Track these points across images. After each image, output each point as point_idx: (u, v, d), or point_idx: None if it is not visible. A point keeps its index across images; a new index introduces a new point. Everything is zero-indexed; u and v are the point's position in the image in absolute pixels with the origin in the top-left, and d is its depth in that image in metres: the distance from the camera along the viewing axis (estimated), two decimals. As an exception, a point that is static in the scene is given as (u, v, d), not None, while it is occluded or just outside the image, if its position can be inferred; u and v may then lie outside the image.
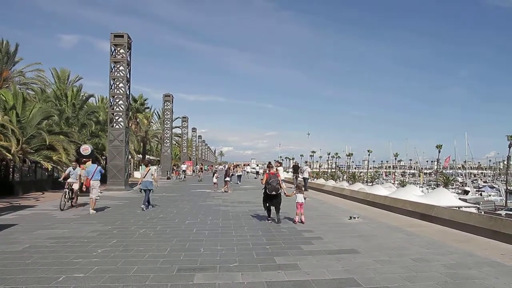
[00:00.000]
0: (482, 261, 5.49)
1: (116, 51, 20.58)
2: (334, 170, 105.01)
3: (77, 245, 6.46)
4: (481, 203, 40.98)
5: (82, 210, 11.38)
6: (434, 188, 47.30)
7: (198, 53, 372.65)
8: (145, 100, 45.83)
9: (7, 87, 24.85)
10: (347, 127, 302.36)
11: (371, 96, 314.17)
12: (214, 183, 20.83)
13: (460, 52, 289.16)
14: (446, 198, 24.12)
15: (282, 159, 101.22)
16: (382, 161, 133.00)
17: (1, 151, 14.86)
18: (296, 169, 25.09)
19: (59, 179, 12.37)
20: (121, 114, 20.55)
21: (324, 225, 8.83)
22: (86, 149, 16.81)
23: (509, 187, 48.65)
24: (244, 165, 58.79)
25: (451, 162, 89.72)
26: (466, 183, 66.67)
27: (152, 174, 11.71)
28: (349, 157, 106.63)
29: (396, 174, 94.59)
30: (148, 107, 47.52)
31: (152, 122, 49.47)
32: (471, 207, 29.63)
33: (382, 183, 62.84)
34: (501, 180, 69.74)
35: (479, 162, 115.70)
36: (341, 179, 72.22)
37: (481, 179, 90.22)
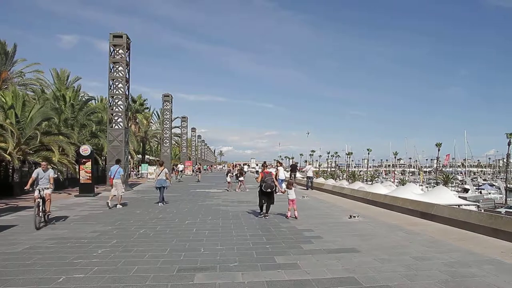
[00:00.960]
0: (482, 259, 5.49)
1: (115, 51, 20.57)
2: (333, 169, 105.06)
3: (77, 246, 6.46)
4: (481, 201, 41.06)
5: (55, 224, 8.86)
6: (434, 186, 47.27)
7: (198, 53, 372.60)
8: (144, 100, 45.95)
9: (6, 88, 24.83)
10: (347, 127, 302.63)
11: (370, 95, 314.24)
12: (228, 182, 20.98)
13: (460, 51, 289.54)
14: (446, 197, 24.16)
15: (282, 159, 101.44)
16: (381, 160, 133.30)
17: (0, 153, 14.85)
18: (294, 168, 25.54)
19: (25, 188, 9.38)
20: (120, 114, 20.54)
21: (324, 224, 8.83)
22: (85, 149, 16.80)
23: (508, 185, 48.73)
24: (244, 164, 58.97)
25: (451, 160, 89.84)
26: (465, 181, 66.77)
27: (165, 173, 13.32)
28: (348, 156, 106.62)
29: (395, 172, 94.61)
30: (147, 107, 47.62)
31: (151, 122, 49.53)
32: (471, 205, 29.66)
33: (382, 181, 62.98)
34: (501, 178, 69.80)
35: (478, 160, 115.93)
36: (340, 178, 72.17)
37: (480, 177, 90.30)
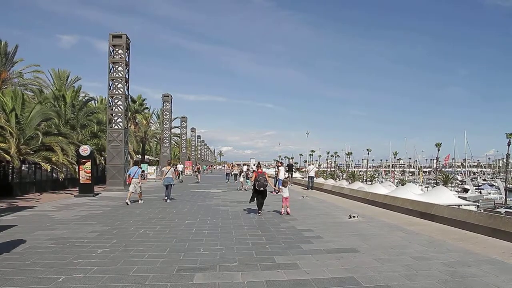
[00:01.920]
0: (482, 259, 5.49)
1: (115, 51, 20.56)
2: (333, 169, 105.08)
3: (77, 246, 6.45)
4: (481, 201, 41.15)
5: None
6: (434, 186, 47.31)
7: (197, 53, 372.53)
8: (144, 100, 45.89)
9: (6, 88, 24.81)
10: (347, 127, 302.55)
11: (370, 95, 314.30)
12: (241, 182, 21.34)
13: (460, 51, 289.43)
14: (445, 197, 24.14)
15: (282, 159, 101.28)
16: (381, 160, 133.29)
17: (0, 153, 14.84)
18: (290, 168, 26.03)
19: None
20: (120, 114, 20.53)
21: (324, 224, 8.84)
22: (85, 150, 16.80)
23: (508, 185, 48.74)
24: (243, 164, 58.83)
25: (451, 160, 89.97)
26: (465, 181, 66.90)
27: (172, 172, 14.73)
28: (348, 156, 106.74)
29: (395, 172, 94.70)
30: (147, 108, 47.57)
31: (151, 123, 49.48)
32: (471, 205, 29.68)
33: (382, 181, 63.04)
34: (501, 178, 69.80)
35: (478, 160, 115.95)
36: (340, 178, 72.21)
37: (480, 177, 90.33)
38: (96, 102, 35.65)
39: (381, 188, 29.64)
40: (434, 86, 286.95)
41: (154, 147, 57.52)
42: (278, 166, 20.31)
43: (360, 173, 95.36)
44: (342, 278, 4.61)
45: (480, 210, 22.87)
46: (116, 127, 20.46)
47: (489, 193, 53.74)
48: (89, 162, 16.69)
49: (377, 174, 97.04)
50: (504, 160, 69.40)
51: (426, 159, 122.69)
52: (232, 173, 30.69)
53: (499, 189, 54.85)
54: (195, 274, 4.77)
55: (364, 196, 14.15)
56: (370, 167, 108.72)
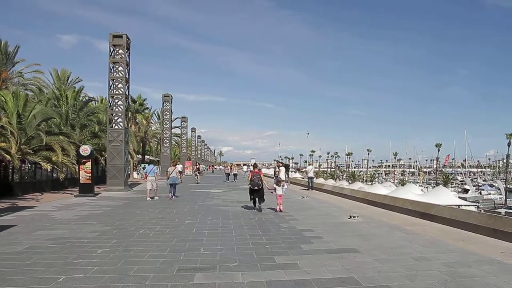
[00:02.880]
0: (482, 259, 5.49)
1: (115, 51, 20.56)
2: (333, 169, 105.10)
3: (77, 246, 6.45)
4: (481, 201, 41.15)
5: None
6: (434, 187, 47.32)
7: (198, 53, 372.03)
8: (144, 100, 45.97)
9: (6, 88, 24.83)
10: (347, 127, 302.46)
11: (370, 95, 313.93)
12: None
13: (460, 51, 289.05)
14: (445, 197, 24.18)
15: (282, 159, 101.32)
16: (381, 160, 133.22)
17: (0, 153, 14.84)
18: (286, 168, 26.32)
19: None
20: (120, 114, 20.52)
21: (324, 224, 8.83)
22: (85, 149, 16.80)
23: (508, 186, 48.75)
24: (243, 164, 58.95)
25: (451, 160, 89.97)
26: (465, 182, 66.89)
27: (177, 172, 15.99)
28: (348, 157, 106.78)
29: (395, 173, 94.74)
30: (147, 108, 47.64)
31: (151, 123, 49.54)
32: (471, 205, 29.72)
33: (382, 182, 63.07)
34: (501, 179, 69.80)
35: (478, 161, 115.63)
36: (340, 178, 72.25)
37: (480, 178, 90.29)
38: (96, 102, 35.66)
39: (381, 189, 29.69)
40: (434, 86, 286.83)
41: (154, 147, 57.54)
42: (278, 166, 20.35)
43: (360, 173, 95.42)
44: (342, 278, 4.61)
45: (480, 211, 22.89)
46: (116, 127, 20.45)
47: (489, 194, 53.73)
48: (89, 162, 16.69)
49: (377, 175, 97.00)
50: (504, 161, 69.40)
51: (426, 160, 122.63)
52: (232, 173, 30.77)
53: (499, 189, 54.85)
54: (196, 274, 4.77)
55: (364, 197, 14.14)
56: (370, 167, 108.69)
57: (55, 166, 17.95)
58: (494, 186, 63.11)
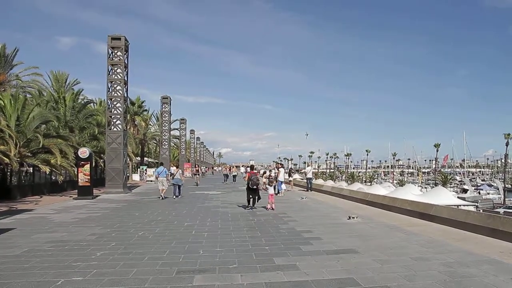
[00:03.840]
0: (481, 259, 5.50)
1: (114, 53, 20.56)
2: (332, 170, 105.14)
3: (76, 249, 6.43)
4: (480, 201, 41.15)
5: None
6: (433, 187, 47.37)
7: (196, 55, 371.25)
8: (143, 102, 45.89)
9: (4, 91, 24.77)
10: (346, 128, 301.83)
11: (369, 96, 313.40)
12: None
13: (459, 51, 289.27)
14: (444, 197, 24.24)
15: (281, 160, 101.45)
16: (380, 161, 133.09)
17: (-1, 155, 14.80)
18: (289, 170, 26.94)
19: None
20: (119, 116, 20.51)
21: (323, 225, 8.84)
22: (84, 152, 16.77)
23: (507, 185, 48.89)
24: (242, 166, 59.00)
25: (449, 161, 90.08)
26: (464, 182, 66.98)
27: (180, 174, 17.01)
28: (347, 157, 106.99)
29: (394, 173, 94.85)
30: (146, 110, 47.58)
31: (150, 125, 49.50)
32: (470, 205, 29.74)
33: (381, 182, 63.06)
34: (499, 178, 69.92)
35: (477, 161, 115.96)
36: (339, 179, 72.29)
37: (479, 178, 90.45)
38: (95, 104, 35.61)
39: (380, 189, 29.70)
40: (433, 86, 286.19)
41: (153, 149, 57.45)
42: (278, 168, 20.41)
43: (359, 174, 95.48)
44: (341, 279, 4.61)
45: (479, 210, 22.91)
46: (115, 129, 20.44)
47: (488, 193, 53.82)
48: (88, 165, 16.67)
49: (376, 175, 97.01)
50: (503, 160, 69.61)
51: (425, 160, 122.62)
52: (232, 174, 30.86)
53: (497, 189, 55.01)
54: (195, 276, 4.77)
55: (364, 197, 14.16)
56: (369, 168, 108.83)
57: (54, 169, 17.90)
58: (492, 186, 63.31)
